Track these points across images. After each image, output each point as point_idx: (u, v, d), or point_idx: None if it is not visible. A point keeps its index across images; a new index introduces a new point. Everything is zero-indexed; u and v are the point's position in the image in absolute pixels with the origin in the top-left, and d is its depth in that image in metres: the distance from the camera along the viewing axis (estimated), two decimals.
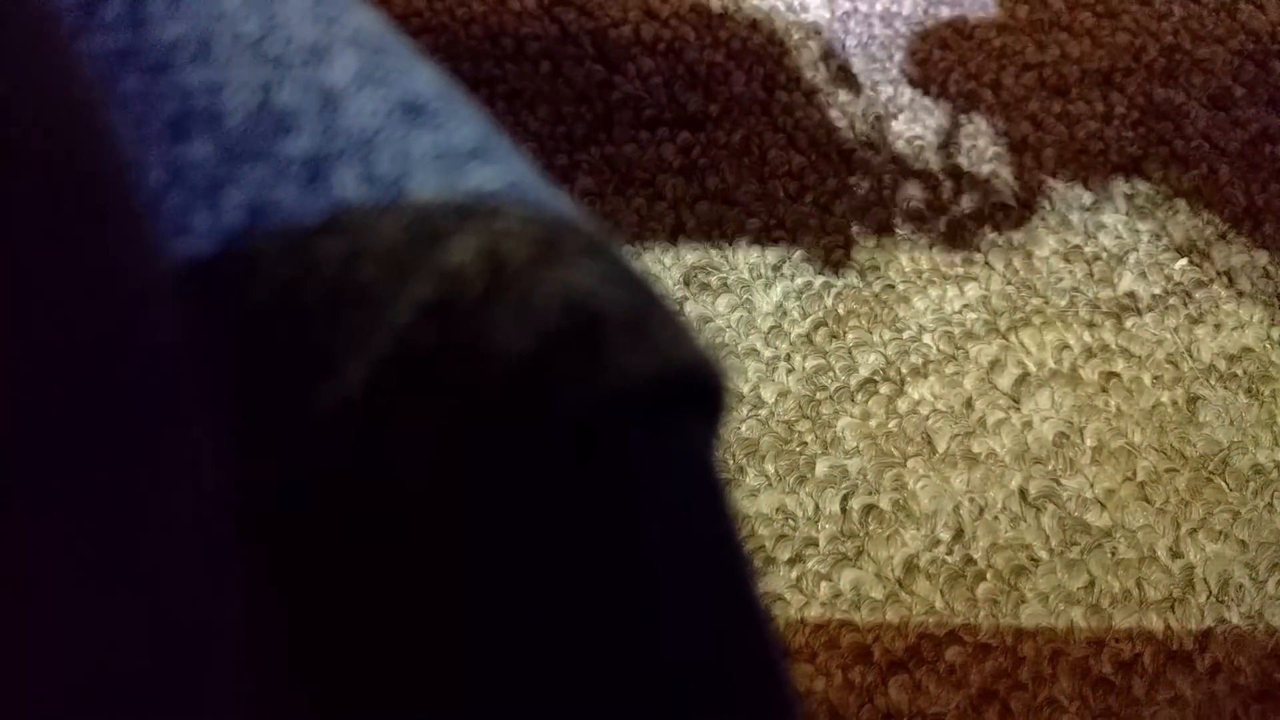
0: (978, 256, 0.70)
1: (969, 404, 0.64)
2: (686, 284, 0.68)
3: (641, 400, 0.16)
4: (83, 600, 0.12)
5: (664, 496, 0.17)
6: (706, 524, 0.18)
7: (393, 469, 0.16)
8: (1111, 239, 0.71)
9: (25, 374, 0.11)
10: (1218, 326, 0.68)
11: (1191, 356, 0.67)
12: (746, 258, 0.69)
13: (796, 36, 0.79)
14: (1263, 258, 0.71)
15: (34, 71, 0.13)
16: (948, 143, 0.75)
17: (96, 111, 0.15)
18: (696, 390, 0.18)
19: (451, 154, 0.18)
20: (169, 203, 0.17)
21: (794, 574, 0.59)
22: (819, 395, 0.64)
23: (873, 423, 0.64)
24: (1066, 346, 0.67)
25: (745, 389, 0.64)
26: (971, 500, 0.62)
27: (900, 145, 0.74)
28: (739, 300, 0.67)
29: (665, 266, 0.68)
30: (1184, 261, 0.71)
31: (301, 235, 0.17)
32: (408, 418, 0.16)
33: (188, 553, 0.14)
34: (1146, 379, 0.66)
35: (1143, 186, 0.74)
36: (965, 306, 0.68)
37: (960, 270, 0.69)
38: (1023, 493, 0.62)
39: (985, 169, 0.74)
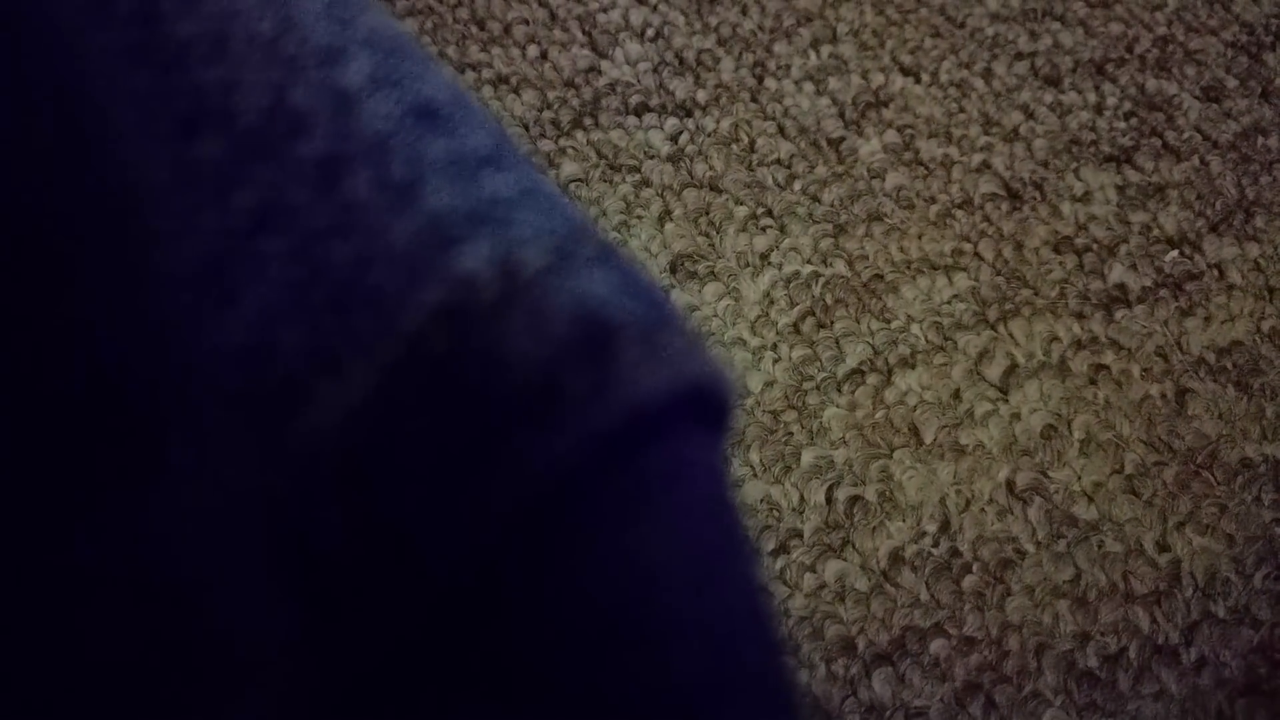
0: (967, 247, 0.69)
1: (957, 395, 0.64)
2: (673, 272, 0.67)
3: (652, 412, 0.16)
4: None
5: (675, 508, 0.17)
6: (716, 536, 0.18)
7: (401, 477, 0.16)
8: (1102, 230, 0.71)
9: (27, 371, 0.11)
10: (1208, 319, 0.68)
11: (1181, 349, 0.67)
12: (734, 246, 0.68)
13: (788, 23, 0.78)
14: (1254, 250, 0.71)
15: (42, 67, 0.13)
16: (938, 131, 0.74)
17: (106, 107, 0.14)
18: (707, 402, 0.18)
19: (465, 160, 0.18)
20: (178, 201, 0.17)
21: (778, 565, 0.59)
22: (805, 385, 0.64)
23: (859, 413, 0.63)
24: (1056, 338, 0.66)
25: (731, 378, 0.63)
26: (958, 492, 0.61)
27: (890, 134, 0.74)
28: (726, 289, 0.67)
29: (652, 254, 0.68)
30: (1175, 254, 0.70)
31: (312, 238, 0.17)
32: (417, 425, 0.16)
33: (201, 552, 0.14)
34: (1136, 371, 0.66)
35: (1134, 177, 0.73)
36: (954, 297, 0.67)
37: (949, 260, 0.69)
38: (1010, 485, 0.61)
39: (976, 158, 0.73)
